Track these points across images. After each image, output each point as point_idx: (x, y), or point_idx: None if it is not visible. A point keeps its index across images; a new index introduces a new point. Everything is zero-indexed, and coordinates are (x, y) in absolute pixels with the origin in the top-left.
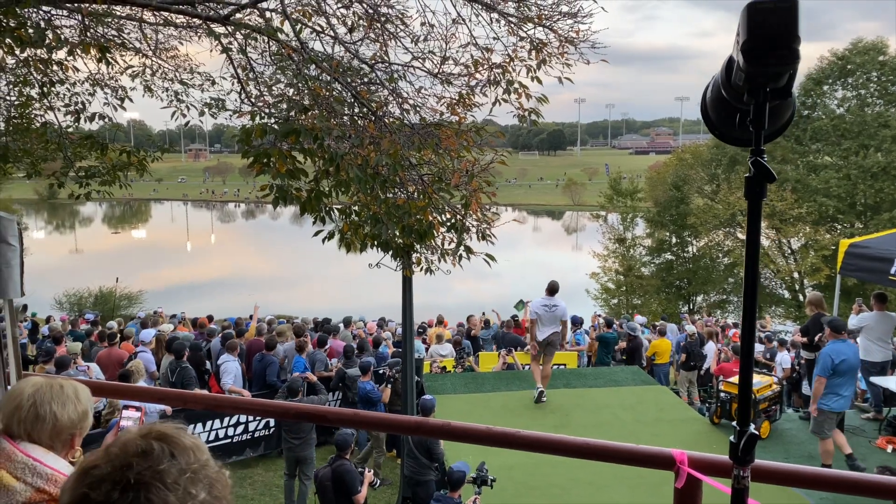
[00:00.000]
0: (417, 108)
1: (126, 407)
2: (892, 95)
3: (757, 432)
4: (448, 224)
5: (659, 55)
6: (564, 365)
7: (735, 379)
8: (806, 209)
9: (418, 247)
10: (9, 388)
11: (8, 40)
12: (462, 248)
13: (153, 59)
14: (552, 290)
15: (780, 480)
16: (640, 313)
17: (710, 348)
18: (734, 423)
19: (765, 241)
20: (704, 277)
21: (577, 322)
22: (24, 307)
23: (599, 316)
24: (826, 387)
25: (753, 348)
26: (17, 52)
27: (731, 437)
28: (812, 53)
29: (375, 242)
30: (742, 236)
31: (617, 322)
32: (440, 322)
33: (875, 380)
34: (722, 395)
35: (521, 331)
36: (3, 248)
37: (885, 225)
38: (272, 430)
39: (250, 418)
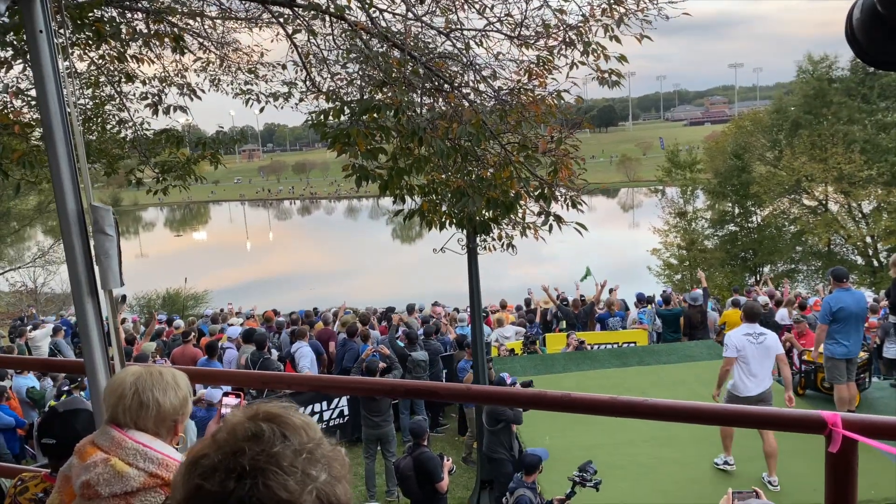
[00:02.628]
0: (496, 77)
1: (226, 394)
2: None
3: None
4: (536, 194)
5: (708, 22)
6: (635, 342)
7: (820, 349)
8: (876, 170)
9: (500, 221)
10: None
11: (86, 35)
12: (552, 217)
13: (217, 53)
14: (752, 314)
15: None
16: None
17: (783, 315)
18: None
19: (833, 206)
20: (770, 247)
21: (642, 299)
22: (124, 298)
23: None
24: (828, 334)
25: None
26: (93, 49)
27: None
28: None
29: (455, 220)
30: (808, 203)
31: (676, 297)
32: (503, 307)
33: None
34: (805, 366)
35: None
36: (101, 239)
37: None
38: (346, 418)
39: (324, 407)
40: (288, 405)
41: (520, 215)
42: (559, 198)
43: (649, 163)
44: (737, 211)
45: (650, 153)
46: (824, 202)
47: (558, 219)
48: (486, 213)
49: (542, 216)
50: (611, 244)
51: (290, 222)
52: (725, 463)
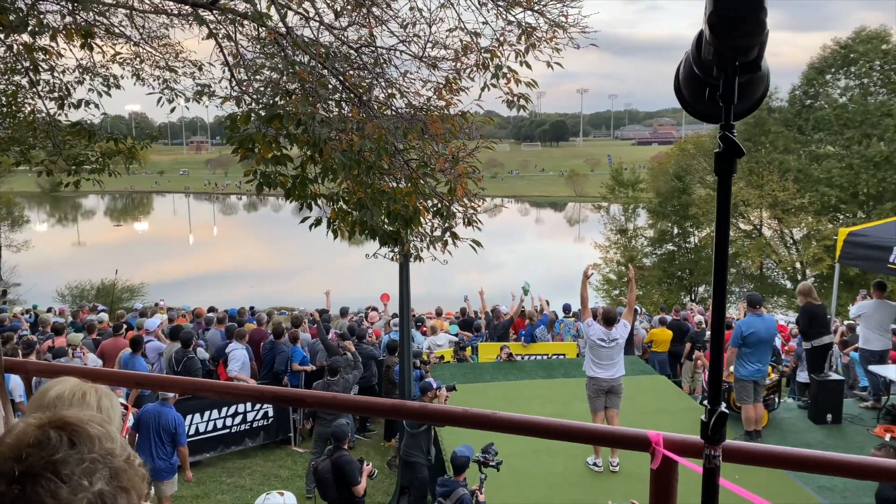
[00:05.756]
0: (403, 93)
1: None
2: (894, 84)
3: (727, 411)
4: (434, 210)
5: (662, 45)
6: (564, 355)
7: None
8: (808, 199)
9: (406, 234)
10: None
11: None
12: (448, 234)
13: (142, 46)
14: (608, 319)
15: (752, 460)
16: (642, 304)
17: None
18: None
19: (767, 232)
20: (706, 268)
21: (567, 310)
22: (4, 292)
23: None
24: (738, 356)
25: (724, 329)
26: (2, 37)
27: (702, 417)
28: (815, 43)
29: (363, 229)
30: (744, 227)
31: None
32: (439, 314)
33: (874, 368)
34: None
35: (522, 323)
36: None
37: (887, 214)
38: (271, 419)
39: (248, 408)
40: (94, 415)
41: (427, 229)
42: (457, 214)
43: (597, 179)
44: (676, 231)
45: (598, 170)
46: (759, 227)
47: (454, 235)
48: (389, 227)
49: (441, 231)
50: (556, 257)
51: (235, 217)
52: (594, 464)
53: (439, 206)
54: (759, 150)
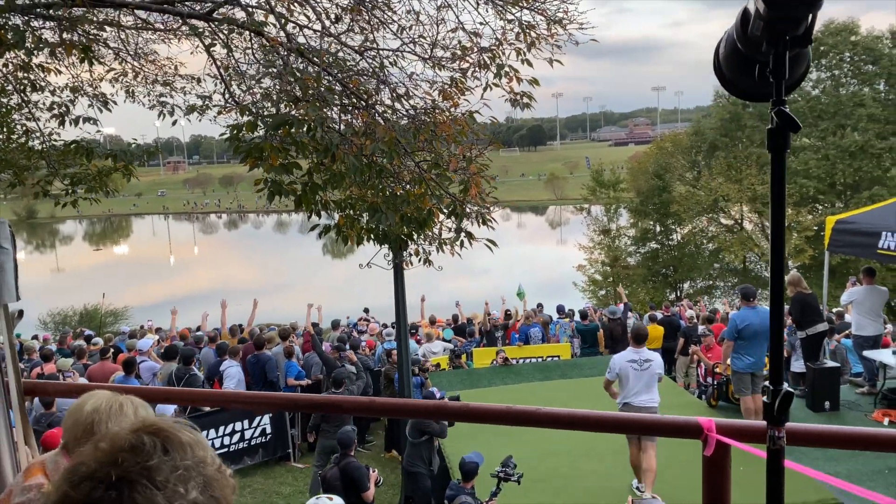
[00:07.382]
0: (409, 96)
1: None
2: (865, 75)
3: (792, 391)
4: (448, 210)
5: (633, 47)
6: (558, 356)
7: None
8: (787, 191)
9: (416, 237)
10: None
11: None
12: (463, 234)
13: (133, 63)
14: (639, 337)
15: (814, 442)
16: (630, 302)
17: (703, 330)
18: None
19: (748, 226)
20: (690, 264)
21: (562, 311)
22: (20, 313)
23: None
24: (734, 349)
25: (783, 308)
26: None
27: (765, 398)
28: None
29: (372, 235)
30: (725, 221)
31: (592, 311)
32: (433, 322)
33: (868, 353)
34: (716, 378)
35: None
36: None
37: (864, 203)
38: (269, 437)
39: (245, 426)
40: (182, 422)
41: (436, 231)
42: (470, 214)
43: (576, 181)
44: (658, 229)
45: (577, 172)
46: (740, 221)
47: (469, 235)
48: (403, 229)
49: (455, 232)
50: (540, 260)
51: (216, 236)
52: (637, 489)
53: (453, 205)
54: (736, 145)
